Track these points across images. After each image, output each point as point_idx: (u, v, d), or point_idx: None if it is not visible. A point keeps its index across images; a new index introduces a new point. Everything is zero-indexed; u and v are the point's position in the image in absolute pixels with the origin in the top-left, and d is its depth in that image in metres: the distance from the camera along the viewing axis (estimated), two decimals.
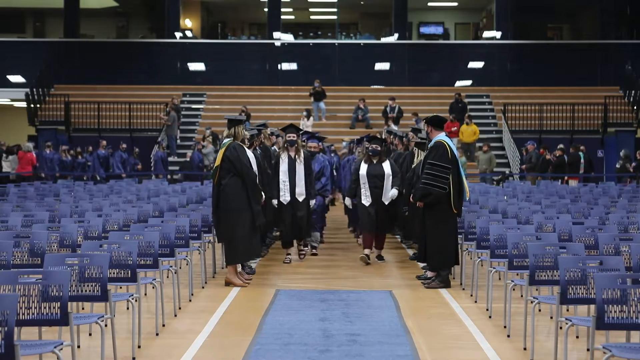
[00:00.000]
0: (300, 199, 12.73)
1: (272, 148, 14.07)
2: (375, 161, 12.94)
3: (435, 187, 10.69)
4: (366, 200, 12.87)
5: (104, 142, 26.09)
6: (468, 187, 11.24)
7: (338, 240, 16.28)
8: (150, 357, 7.36)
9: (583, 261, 6.82)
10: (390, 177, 12.87)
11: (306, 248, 13.58)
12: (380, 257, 13.20)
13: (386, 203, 12.86)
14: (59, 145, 26.63)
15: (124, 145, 26.26)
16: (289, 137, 12.74)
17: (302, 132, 13.93)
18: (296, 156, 12.73)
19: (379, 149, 13.02)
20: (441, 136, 10.97)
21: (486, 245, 9.67)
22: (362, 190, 12.90)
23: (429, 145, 11.15)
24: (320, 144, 14.83)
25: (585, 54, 31.42)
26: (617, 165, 25.32)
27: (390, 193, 12.86)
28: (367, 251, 12.98)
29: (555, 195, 15.71)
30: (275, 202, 12.68)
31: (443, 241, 10.72)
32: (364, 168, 12.93)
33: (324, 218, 15.39)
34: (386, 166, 12.96)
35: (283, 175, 12.71)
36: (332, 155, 19.86)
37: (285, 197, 12.71)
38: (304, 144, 13.71)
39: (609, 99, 28.25)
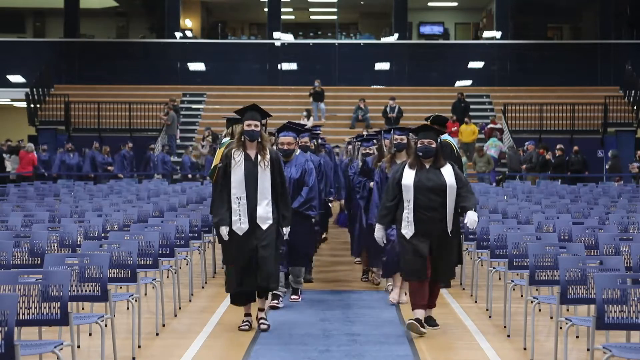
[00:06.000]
0: (265, 225, 8.06)
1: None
2: (428, 165, 8.13)
3: None
4: (409, 229, 8.03)
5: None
6: None
7: (338, 240, 16.27)
8: (150, 357, 7.36)
9: (583, 261, 6.82)
10: (455, 190, 8.01)
11: (275, 301, 9.24)
12: (431, 321, 8.32)
13: (472, 228, 8.18)
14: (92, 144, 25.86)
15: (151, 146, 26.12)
16: (248, 125, 8.19)
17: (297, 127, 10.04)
18: (258, 157, 8.17)
19: (434, 145, 8.10)
20: (445, 136, 10.96)
21: (486, 245, 9.67)
22: (404, 213, 8.07)
23: None
24: (296, 138, 9.80)
25: (585, 54, 31.42)
26: (607, 167, 25.39)
27: (468, 218, 7.99)
28: (420, 313, 8.06)
29: (555, 195, 15.71)
30: (225, 230, 8.07)
31: None
32: (409, 176, 8.07)
33: (313, 244, 11.73)
34: (447, 173, 8.06)
35: (237, 189, 8.08)
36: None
37: (240, 223, 8.02)
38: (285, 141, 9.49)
39: (609, 99, 28.23)
